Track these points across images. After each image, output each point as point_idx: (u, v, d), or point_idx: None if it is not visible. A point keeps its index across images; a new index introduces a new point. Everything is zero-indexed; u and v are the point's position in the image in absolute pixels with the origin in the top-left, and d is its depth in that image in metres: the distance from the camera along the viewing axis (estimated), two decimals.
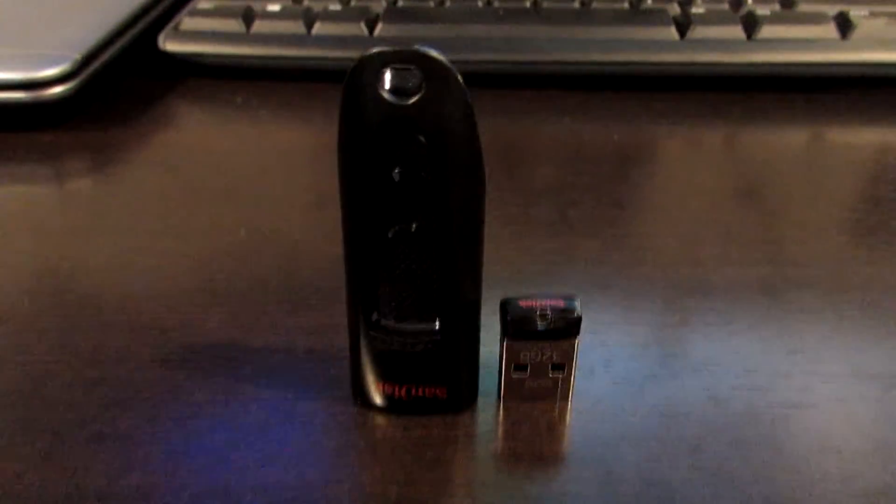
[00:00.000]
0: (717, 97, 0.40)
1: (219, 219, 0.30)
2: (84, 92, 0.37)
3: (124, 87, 0.41)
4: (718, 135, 0.37)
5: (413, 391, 0.20)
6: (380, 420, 0.20)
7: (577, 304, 0.19)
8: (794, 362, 0.22)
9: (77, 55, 0.36)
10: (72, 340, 0.23)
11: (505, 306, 0.19)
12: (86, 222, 0.29)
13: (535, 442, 0.19)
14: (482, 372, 0.20)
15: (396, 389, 0.20)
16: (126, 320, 0.24)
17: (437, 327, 0.19)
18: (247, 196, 0.31)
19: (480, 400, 0.21)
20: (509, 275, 0.26)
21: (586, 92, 0.40)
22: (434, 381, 0.20)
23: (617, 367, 0.22)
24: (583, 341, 0.20)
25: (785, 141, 0.37)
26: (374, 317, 0.19)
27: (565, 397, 0.21)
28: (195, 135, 0.38)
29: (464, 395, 0.20)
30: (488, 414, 0.20)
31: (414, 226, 0.18)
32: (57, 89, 0.36)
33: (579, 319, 0.19)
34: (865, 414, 0.20)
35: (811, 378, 0.21)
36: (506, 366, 0.20)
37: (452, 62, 0.16)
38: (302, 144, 0.37)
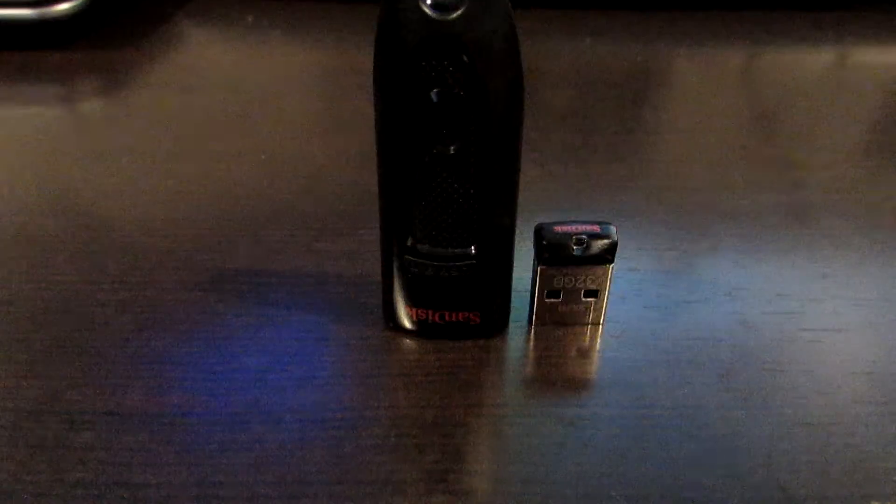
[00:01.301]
0: (742, 16, 0.38)
1: (237, 142, 0.29)
2: (91, 10, 0.36)
3: (132, 5, 0.40)
4: (743, 55, 0.36)
5: (447, 316, 0.20)
6: (412, 344, 0.20)
7: (613, 229, 0.19)
8: (824, 287, 0.22)
9: None
10: (101, 263, 0.23)
11: (540, 232, 0.19)
12: (103, 145, 0.29)
13: (568, 366, 0.20)
14: (514, 297, 0.20)
15: (430, 314, 0.20)
16: (153, 244, 0.23)
17: (472, 252, 0.19)
18: (263, 119, 0.31)
19: (512, 325, 0.21)
20: (537, 202, 0.25)
21: (608, 11, 0.39)
22: (468, 306, 0.20)
23: (648, 293, 0.22)
24: (614, 267, 0.19)
25: (812, 61, 0.36)
26: (409, 242, 0.19)
27: (597, 323, 0.21)
28: (206, 55, 0.37)
29: (497, 320, 0.20)
30: (520, 339, 0.20)
31: (452, 148, 0.17)
32: (64, 6, 0.34)
33: (615, 245, 0.19)
34: (895, 338, 0.20)
35: (842, 303, 0.21)
36: (539, 291, 0.20)
37: None
38: (315, 65, 0.36)
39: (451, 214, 0.18)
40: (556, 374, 0.19)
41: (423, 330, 0.20)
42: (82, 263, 0.22)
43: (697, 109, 0.32)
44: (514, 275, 0.20)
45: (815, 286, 0.22)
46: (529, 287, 0.20)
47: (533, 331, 0.21)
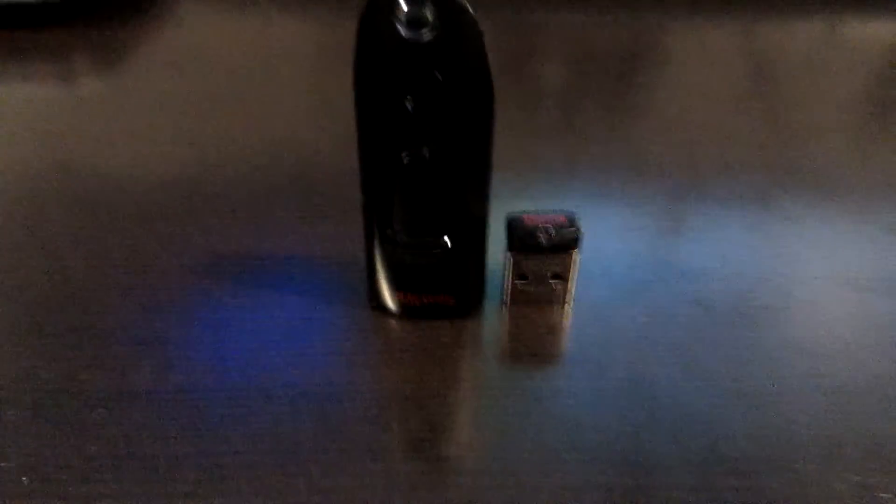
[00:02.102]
0: None
1: (231, 125, 0.30)
2: None
3: None
4: (730, 30, 0.37)
5: (424, 299, 0.22)
6: (394, 324, 0.22)
7: (578, 220, 0.21)
8: (775, 267, 0.24)
9: None
10: (105, 249, 0.24)
11: (510, 223, 0.21)
12: (102, 127, 0.30)
13: (535, 343, 0.21)
14: (490, 279, 0.22)
15: (409, 297, 0.22)
16: (153, 228, 0.25)
17: (446, 242, 0.21)
18: (258, 100, 0.32)
19: (487, 305, 0.22)
20: (515, 184, 0.27)
21: None
22: (443, 289, 0.21)
23: (614, 274, 0.23)
24: (584, 249, 0.21)
25: (798, 37, 0.37)
26: (389, 232, 0.21)
27: (564, 303, 0.22)
28: (202, 33, 0.37)
29: (471, 302, 0.22)
30: (493, 318, 0.22)
31: (426, 151, 0.19)
32: None
33: (579, 234, 0.21)
34: (836, 316, 0.22)
35: (791, 282, 0.23)
36: (510, 275, 0.22)
37: None
38: (311, 43, 0.37)
39: (427, 209, 0.20)
40: (524, 350, 0.21)
41: (403, 310, 0.22)
42: (87, 249, 0.24)
43: (680, 87, 0.33)
44: (491, 258, 0.22)
45: (767, 266, 0.24)
46: (502, 270, 0.22)
47: (505, 310, 0.22)
